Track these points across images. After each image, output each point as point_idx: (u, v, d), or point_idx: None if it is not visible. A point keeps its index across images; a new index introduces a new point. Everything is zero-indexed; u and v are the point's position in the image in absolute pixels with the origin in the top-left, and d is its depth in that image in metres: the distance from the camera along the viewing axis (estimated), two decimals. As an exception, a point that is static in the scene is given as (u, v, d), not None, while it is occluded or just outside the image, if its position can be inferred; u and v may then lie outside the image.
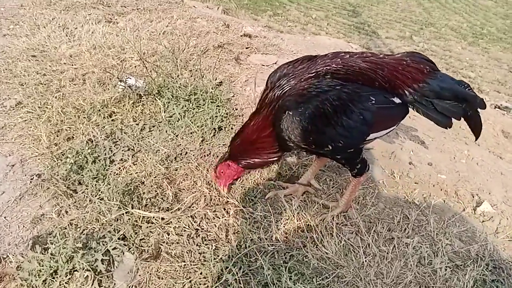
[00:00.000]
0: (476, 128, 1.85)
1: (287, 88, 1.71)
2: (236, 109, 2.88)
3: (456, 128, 3.51)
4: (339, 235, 1.94)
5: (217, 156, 2.38)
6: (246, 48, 4.06)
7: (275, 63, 3.74)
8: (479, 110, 1.79)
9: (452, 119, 1.79)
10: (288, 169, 2.37)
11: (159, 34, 4.06)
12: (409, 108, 1.81)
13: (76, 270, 1.68)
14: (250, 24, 5.38)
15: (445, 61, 9.81)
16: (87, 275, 1.66)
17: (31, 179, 2.22)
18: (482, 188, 2.45)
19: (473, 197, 2.36)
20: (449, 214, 2.19)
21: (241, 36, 4.33)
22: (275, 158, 1.91)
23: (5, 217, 1.99)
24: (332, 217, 2.02)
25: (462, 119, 1.84)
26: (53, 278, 1.65)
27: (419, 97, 1.76)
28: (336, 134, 1.68)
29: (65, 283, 1.65)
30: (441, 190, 2.37)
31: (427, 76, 1.79)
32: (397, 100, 1.77)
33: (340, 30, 11.37)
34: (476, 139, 1.90)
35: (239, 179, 2.16)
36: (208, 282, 1.67)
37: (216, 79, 3.15)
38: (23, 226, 1.95)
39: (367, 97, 1.69)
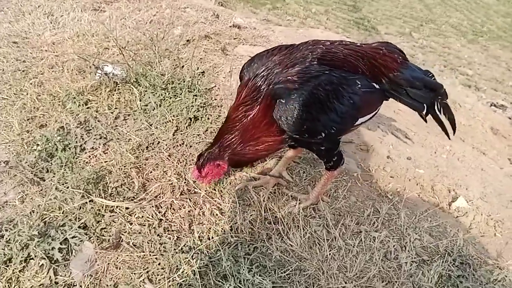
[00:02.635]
0: (450, 118, 1.88)
1: (273, 76, 1.63)
2: (216, 99, 2.82)
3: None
4: (306, 228, 1.90)
5: (191, 147, 2.34)
6: (234, 39, 4.00)
7: (262, 55, 3.68)
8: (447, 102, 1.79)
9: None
10: (261, 160, 2.32)
11: (146, 23, 4.00)
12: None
13: (32, 258, 1.64)
14: (245, 16, 5.31)
15: (443, 58, 9.70)
16: (43, 264, 1.62)
17: (-2, 165, 2.18)
18: (460, 183, 2.40)
19: (450, 192, 2.31)
20: (422, 209, 2.14)
21: (230, 26, 4.27)
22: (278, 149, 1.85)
23: (-33, 204, 1.95)
24: (299, 209, 1.98)
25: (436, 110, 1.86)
26: (7, 266, 1.61)
27: (394, 85, 1.80)
28: (329, 120, 1.63)
29: (19, 271, 1.61)
30: (417, 184, 2.33)
31: (400, 65, 1.84)
32: (376, 86, 1.77)
33: (340, 25, 11.24)
34: (454, 133, 1.91)
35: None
36: (165, 272, 1.63)
37: (198, 69, 3.09)
38: (-15, 213, 1.91)
39: (353, 80, 1.67)
